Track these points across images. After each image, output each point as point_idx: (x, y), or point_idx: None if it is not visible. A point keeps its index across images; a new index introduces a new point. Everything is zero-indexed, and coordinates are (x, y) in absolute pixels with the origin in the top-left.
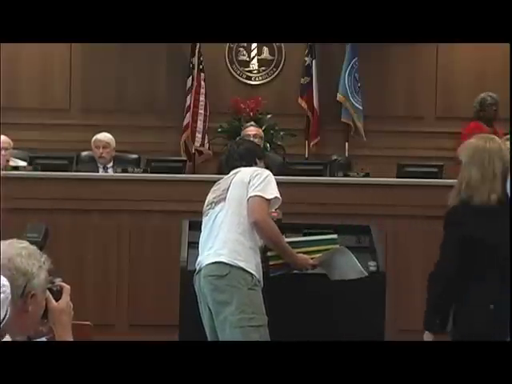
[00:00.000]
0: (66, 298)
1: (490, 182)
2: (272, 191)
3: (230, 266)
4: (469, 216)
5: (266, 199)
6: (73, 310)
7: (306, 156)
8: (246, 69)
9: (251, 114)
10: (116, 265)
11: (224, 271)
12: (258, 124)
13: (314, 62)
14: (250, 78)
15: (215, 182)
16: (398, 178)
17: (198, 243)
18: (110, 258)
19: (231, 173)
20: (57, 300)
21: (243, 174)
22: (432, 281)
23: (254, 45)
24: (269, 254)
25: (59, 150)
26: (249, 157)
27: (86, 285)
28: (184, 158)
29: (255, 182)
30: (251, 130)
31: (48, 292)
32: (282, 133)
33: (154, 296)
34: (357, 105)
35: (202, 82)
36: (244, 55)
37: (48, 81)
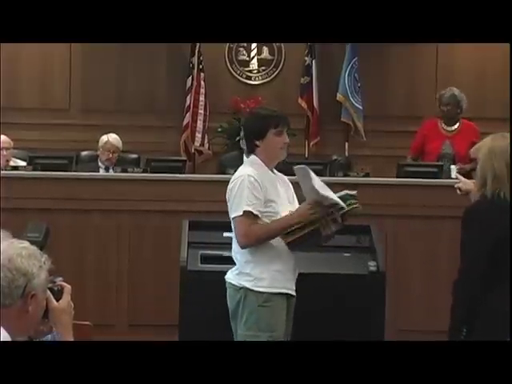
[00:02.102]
0: (66, 297)
1: None
2: (241, 204)
3: (239, 288)
4: (496, 213)
5: (240, 216)
6: (73, 310)
7: (306, 156)
8: (246, 69)
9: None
10: (116, 265)
11: (236, 294)
12: None
13: (313, 61)
14: (249, 78)
15: (215, 181)
16: (397, 177)
17: (198, 243)
18: (109, 257)
19: None
20: (57, 300)
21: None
22: (458, 289)
23: (254, 45)
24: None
25: (59, 150)
26: (247, 141)
27: (86, 285)
28: (184, 157)
29: (229, 199)
30: None
31: (49, 292)
32: None
33: (153, 296)
34: (357, 105)
35: (202, 82)
36: (244, 55)
37: (48, 81)
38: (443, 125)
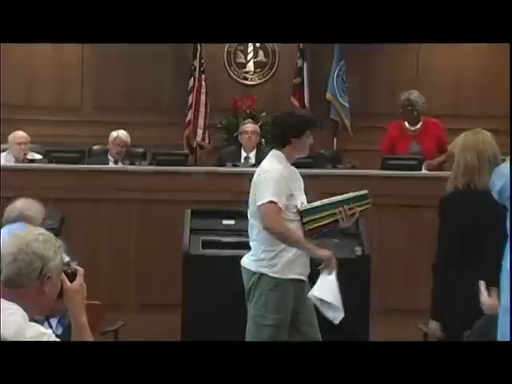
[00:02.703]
0: (79, 279)
1: (487, 166)
2: (269, 195)
3: (254, 273)
4: (465, 202)
5: (268, 203)
6: (86, 291)
7: None
8: (243, 70)
9: (247, 111)
10: (125, 249)
11: (250, 277)
12: (255, 121)
13: (305, 64)
14: (246, 79)
15: (215, 173)
16: (382, 169)
17: (199, 230)
18: (119, 243)
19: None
20: (71, 281)
21: (256, 174)
22: (435, 272)
23: (251, 48)
24: (304, 220)
25: (72, 145)
26: (282, 136)
27: (98, 268)
28: (186, 151)
29: (256, 188)
30: (249, 126)
31: (63, 274)
32: None
33: (159, 278)
34: (344, 103)
35: (203, 83)
36: (241, 58)
37: (62, 81)
38: (407, 125)
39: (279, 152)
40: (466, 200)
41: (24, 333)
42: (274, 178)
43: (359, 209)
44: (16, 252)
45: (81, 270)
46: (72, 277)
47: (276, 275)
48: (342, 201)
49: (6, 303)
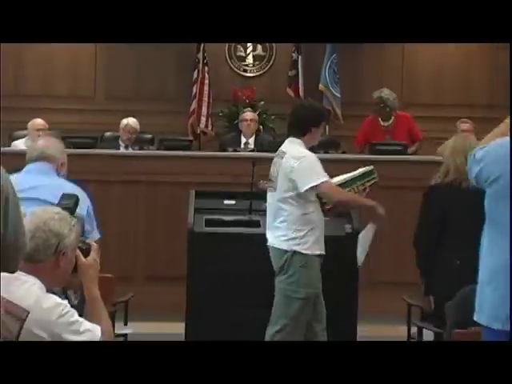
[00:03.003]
0: (93, 255)
1: None
2: (320, 175)
3: (286, 251)
4: (450, 193)
5: (325, 181)
6: (99, 266)
7: None
8: (243, 63)
9: (247, 101)
10: (134, 227)
11: (282, 256)
12: (254, 110)
13: (299, 57)
14: (246, 71)
15: (217, 158)
16: (369, 154)
17: (202, 209)
18: (129, 221)
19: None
20: (85, 257)
21: (286, 162)
22: (417, 243)
23: (250, 43)
24: (323, 200)
25: (86, 131)
26: (303, 125)
27: (109, 244)
28: (191, 137)
29: (299, 173)
30: (248, 114)
31: (78, 250)
32: (272, 117)
33: (166, 253)
34: (336, 93)
35: (206, 74)
36: (241, 51)
37: (76, 73)
38: (380, 121)
39: (299, 140)
40: (450, 191)
41: (42, 303)
42: (314, 161)
43: (368, 184)
44: (34, 229)
45: (95, 246)
46: (86, 252)
47: (307, 252)
48: (353, 179)
49: (25, 276)
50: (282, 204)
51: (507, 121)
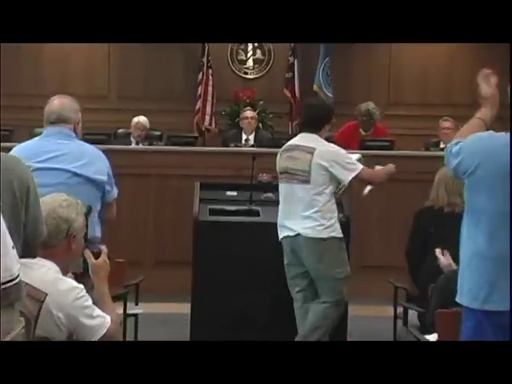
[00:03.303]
0: (103, 257)
1: (453, 198)
2: (357, 164)
3: (326, 239)
4: (435, 216)
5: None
6: (109, 267)
7: (290, 133)
8: (244, 66)
9: (247, 100)
10: (144, 216)
11: (322, 244)
12: (254, 109)
13: (295, 61)
14: (246, 73)
15: (220, 153)
16: (359, 149)
17: (206, 200)
18: (140, 211)
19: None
20: (96, 259)
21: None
22: (407, 256)
23: (250, 47)
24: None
25: (100, 128)
26: (319, 122)
27: (122, 231)
28: (196, 134)
29: (339, 164)
30: (248, 113)
31: (89, 253)
32: (271, 115)
33: (173, 240)
34: (328, 94)
35: (210, 77)
36: (242, 55)
37: (92, 74)
38: (361, 130)
39: (316, 135)
40: (435, 214)
41: (58, 286)
42: (344, 152)
43: None
44: (45, 217)
45: (105, 250)
46: (97, 255)
47: (339, 235)
48: None
49: (42, 261)
50: (318, 196)
51: (476, 119)
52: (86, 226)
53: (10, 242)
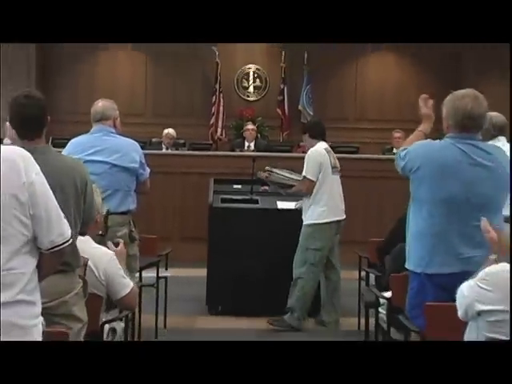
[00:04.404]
0: (121, 246)
1: None
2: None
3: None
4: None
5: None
6: (137, 233)
7: (281, 141)
8: (246, 91)
9: (249, 117)
10: (173, 204)
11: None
12: (254, 123)
13: (285, 87)
14: (248, 97)
15: (228, 156)
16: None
17: (219, 191)
18: (169, 200)
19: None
20: (116, 247)
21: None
22: (378, 252)
23: (251, 78)
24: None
25: (139, 137)
26: (315, 134)
27: (155, 216)
28: (211, 142)
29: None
30: (250, 126)
31: (112, 244)
32: (267, 128)
33: (194, 221)
34: (310, 112)
35: (221, 99)
36: (245, 83)
37: (133, 96)
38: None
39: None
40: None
41: (96, 252)
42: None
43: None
44: None
45: (121, 241)
46: (116, 245)
47: (320, 222)
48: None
49: (80, 237)
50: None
51: (418, 131)
52: (106, 223)
53: (61, 214)
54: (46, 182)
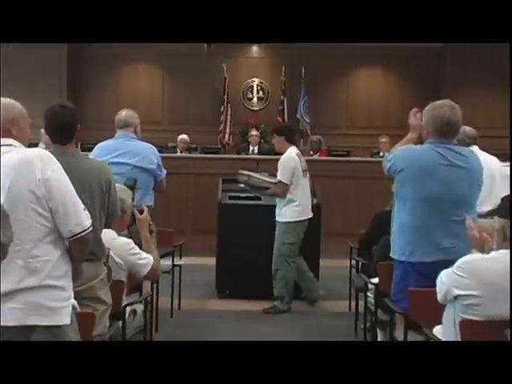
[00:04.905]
0: (145, 213)
1: None
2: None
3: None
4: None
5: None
6: (150, 221)
7: None
8: (251, 101)
9: (253, 124)
10: (186, 201)
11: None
12: (257, 129)
13: (285, 98)
14: (252, 106)
15: (235, 159)
16: (328, 156)
17: (226, 190)
18: (182, 197)
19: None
20: (141, 214)
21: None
22: (360, 245)
23: (255, 90)
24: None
25: (156, 143)
26: (290, 137)
27: (171, 211)
28: (219, 146)
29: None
30: (254, 132)
31: (136, 210)
32: (269, 134)
33: (204, 216)
34: (307, 120)
35: (229, 109)
36: (250, 95)
37: (151, 106)
38: (311, 153)
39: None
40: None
41: (115, 243)
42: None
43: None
44: None
45: (145, 208)
46: (141, 212)
47: (292, 220)
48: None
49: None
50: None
51: (405, 139)
52: (133, 198)
53: (81, 206)
54: (64, 178)
